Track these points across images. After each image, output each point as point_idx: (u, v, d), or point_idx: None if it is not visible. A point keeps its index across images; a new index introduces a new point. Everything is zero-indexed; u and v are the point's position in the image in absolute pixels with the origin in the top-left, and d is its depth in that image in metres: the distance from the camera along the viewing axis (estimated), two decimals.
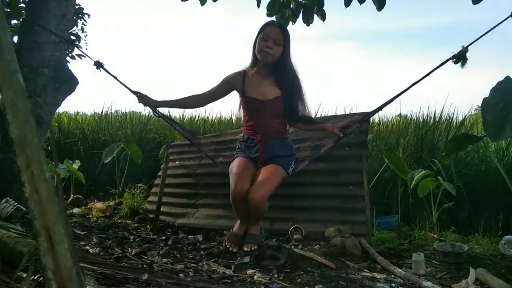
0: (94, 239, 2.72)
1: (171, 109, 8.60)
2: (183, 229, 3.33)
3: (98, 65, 2.21)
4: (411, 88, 2.06)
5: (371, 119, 2.65)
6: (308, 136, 3.10)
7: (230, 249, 2.14)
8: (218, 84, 2.27)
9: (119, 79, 2.21)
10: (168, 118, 2.48)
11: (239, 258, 2.26)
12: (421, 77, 1.98)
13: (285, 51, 2.10)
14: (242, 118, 2.30)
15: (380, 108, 2.26)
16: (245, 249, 2.11)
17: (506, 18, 1.80)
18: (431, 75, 1.99)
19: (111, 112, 6.66)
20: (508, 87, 2.17)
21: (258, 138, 2.19)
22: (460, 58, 1.87)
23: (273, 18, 3.22)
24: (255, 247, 2.12)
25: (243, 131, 2.29)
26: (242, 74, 2.19)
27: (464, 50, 1.86)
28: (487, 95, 2.22)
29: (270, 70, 2.13)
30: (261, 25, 2.15)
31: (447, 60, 1.91)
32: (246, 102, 2.17)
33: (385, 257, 2.41)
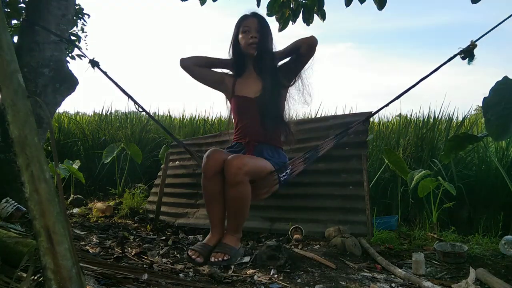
0: (94, 239, 2.72)
1: (171, 108, 8.61)
2: (183, 229, 3.34)
3: (93, 63, 2.19)
4: (413, 86, 2.03)
5: (371, 119, 2.65)
6: (308, 136, 3.10)
7: (193, 257, 1.63)
8: (214, 70, 2.05)
9: (113, 78, 2.19)
10: (151, 116, 2.41)
11: (239, 258, 2.14)
12: (428, 73, 1.93)
13: (263, 39, 1.92)
14: (233, 124, 2.07)
15: (384, 106, 2.18)
16: (212, 259, 1.62)
17: None
18: (431, 75, 1.97)
19: (111, 112, 6.67)
20: (508, 87, 2.17)
21: (246, 140, 1.87)
22: (468, 54, 1.83)
23: (273, 18, 3.23)
24: (225, 258, 1.62)
25: (233, 138, 2.06)
26: (234, 74, 2.04)
27: (473, 45, 1.80)
28: (486, 94, 2.23)
29: (255, 65, 1.95)
30: (236, 23, 1.93)
31: (454, 56, 1.85)
32: (236, 102, 1.99)
33: (385, 257, 2.41)
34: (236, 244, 1.71)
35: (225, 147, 2.03)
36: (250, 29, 1.88)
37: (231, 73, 2.02)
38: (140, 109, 2.16)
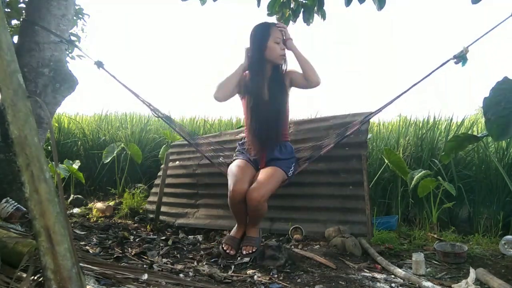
0: (94, 239, 2.72)
1: (171, 109, 8.64)
2: (183, 229, 3.34)
3: (99, 64, 2.22)
4: (409, 89, 2.06)
5: (371, 119, 2.65)
6: (308, 136, 3.10)
7: (227, 251, 2.06)
8: None
9: (118, 78, 2.21)
10: (167, 118, 2.47)
11: (239, 258, 2.26)
12: (422, 77, 1.98)
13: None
14: (244, 119, 2.28)
15: (381, 109, 2.24)
16: (244, 252, 2.04)
17: (507, 18, 1.81)
18: (424, 79, 1.99)
19: (111, 113, 6.68)
20: (508, 87, 2.17)
21: (258, 143, 2.16)
22: (461, 58, 1.88)
23: (273, 18, 3.23)
24: (254, 250, 2.04)
25: (245, 132, 2.27)
26: (243, 76, 2.19)
27: (465, 51, 1.87)
28: (487, 95, 2.23)
29: (273, 72, 2.12)
30: (261, 29, 2.10)
31: (448, 61, 1.91)
32: (248, 103, 2.15)
33: (385, 257, 2.41)
34: (257, 234, 2.11)
35: (228, 144, 2.18)
36: (280, 41, 2.08)
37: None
38: (156, 115, 2.26)
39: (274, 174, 2.05)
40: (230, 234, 2.15)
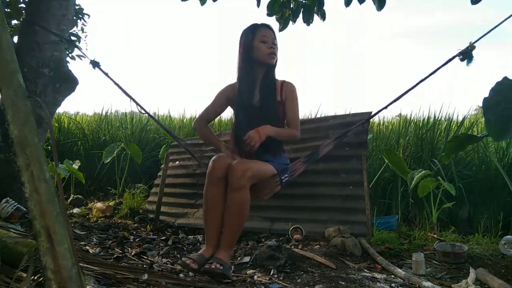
0: (94, 239, 2.72)
1: (171, 108, 8.67)
2: (183, 229, 3.34)
3: (94, 64, 2.20)
4: (414, 87, 2.03)
5: (370, 119, 2.65)
6: (308, 136, 3.10)
7: (187, 262, 1.66)
8: (214, 100, 2.08)
9: (114, 79, 2.20)
10: (153, 117, 2.43)
11: (239, 258, 2.25)
12: (427, 75, 1.95)
13: (277, 52, 2.01)
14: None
15: (383, 108, 2.20)
16: (206, 266, 1.65)
17: (509, 17, 1.79)
18: (430, 76, 1.97)
19: (111, 112, 6.67)
20: (507, 87, 2.17)
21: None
22: (467, 55, 1.84)
23: (273, 18, 3.22)
24: (220, 267, 1.64)
25: (230, 137, 2.14)
26: (234, 86, 2.07)
27: (471, 47, 1.83)
28: (487, 95, 2.23)
29: (265, 74, 2.00)
30: (247, 31, 1.98)
31: (453, 57, 1.88)
32: (237, 108, 2.04)
33: (385, 257, 2.41)
34: (228, 261, 1.72)
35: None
36: (269, 40, 1.95)
37: (230, 83, 2.05)
38: (142, 110, 2.21)
39: (263, 164, 1.85)
40: (198, 252, 1.79)
